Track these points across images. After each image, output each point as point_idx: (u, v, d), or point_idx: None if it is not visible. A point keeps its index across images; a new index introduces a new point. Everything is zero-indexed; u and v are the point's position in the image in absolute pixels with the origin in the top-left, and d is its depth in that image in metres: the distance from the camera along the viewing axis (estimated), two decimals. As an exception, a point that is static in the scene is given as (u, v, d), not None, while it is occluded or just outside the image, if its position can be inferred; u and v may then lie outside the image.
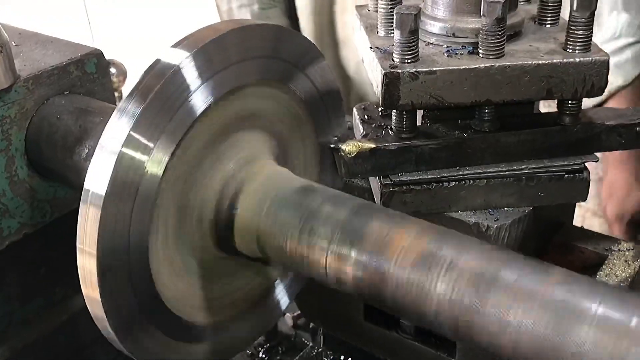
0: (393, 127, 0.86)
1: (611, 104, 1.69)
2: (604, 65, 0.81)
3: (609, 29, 1.70)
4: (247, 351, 1.17)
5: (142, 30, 3.42)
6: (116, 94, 1.29)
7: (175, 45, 0.67)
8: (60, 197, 0.91)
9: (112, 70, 1.23)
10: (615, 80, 1.68)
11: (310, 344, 1.11)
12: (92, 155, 0.79)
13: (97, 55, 0.91)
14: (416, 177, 0.86)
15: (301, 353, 1.10)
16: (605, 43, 1.69)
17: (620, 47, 1.71)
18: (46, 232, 0.91)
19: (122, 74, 1.27)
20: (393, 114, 0.86)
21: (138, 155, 0.64)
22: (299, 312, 1.22)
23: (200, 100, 0.69)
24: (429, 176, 0.86)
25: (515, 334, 0.56)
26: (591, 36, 0.82)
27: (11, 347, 0.94)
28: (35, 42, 0.92)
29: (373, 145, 0.84)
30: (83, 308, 0.98)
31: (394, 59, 0.81)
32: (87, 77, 0.90)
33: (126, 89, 1.32)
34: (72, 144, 0.82)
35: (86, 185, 0.64)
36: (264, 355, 1.17)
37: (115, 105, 0.96)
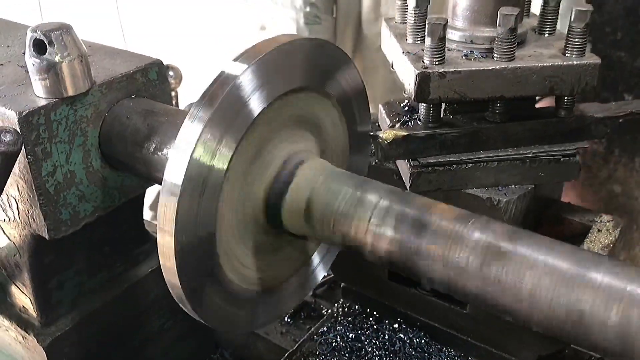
0: (421, 118, 0.87)
1: None
2: (596, 68, 0.83)
3: None
4: (277, 318, 1.18)
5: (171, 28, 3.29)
6: (172, 93, 1.29)
7: (236, 59, 0.68)
8: (127, 185, 0.91)
9: (170, 73, 1.23)
10: None
11: (342, 300, 1.12)
12: (159, 150, 0.81)
13: (159, 64, 0.91)
14: (440, 160, 0.87)
15: (334, 307, 1.11)
16: None
17: None
18: (111, 216, 0.91)
19: (179, 77, 1.27)
20: (421, 107, 0.87)
21: (207, 154, 0.65)
22: (319, 283, 1.23)
23: (256, 105, 0.69)
24: (451, 159, 0.87)
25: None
26: (586, 43, 0.83)
27: (81, 313, 0.96)
28: (104, 53, 0.92)
29: (405, 133, 0.85)
30: (139, 281, 1.01)
31: (424, 61, 0.82)
32: (150, 83, 0.90)
33: (181, 89, 1.32)
34: (141, 139, 0.82)
35: (165, 178, 0.65)
36: (289, 320, 1.20)
37: (174, 106, 0.95)
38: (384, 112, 0.98)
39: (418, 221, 0.64)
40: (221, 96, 0.65)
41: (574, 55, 0.83)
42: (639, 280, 0.52)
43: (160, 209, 0.65)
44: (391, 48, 0.94)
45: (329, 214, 0.71)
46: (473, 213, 0.63)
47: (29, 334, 0.94)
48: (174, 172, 0.64)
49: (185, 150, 0.64)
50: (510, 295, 0.57)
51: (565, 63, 0.82)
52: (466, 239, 0.60)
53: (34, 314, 0.94)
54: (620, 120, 0.89)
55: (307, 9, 1.77)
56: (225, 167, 0.68)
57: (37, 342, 0.92)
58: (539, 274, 0.55)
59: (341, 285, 1.12)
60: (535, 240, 0.58)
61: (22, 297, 0.94)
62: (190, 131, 0.64)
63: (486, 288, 0.58)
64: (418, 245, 0.63)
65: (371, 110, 0.97)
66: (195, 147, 0.64)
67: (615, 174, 2.03)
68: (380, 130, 0.90)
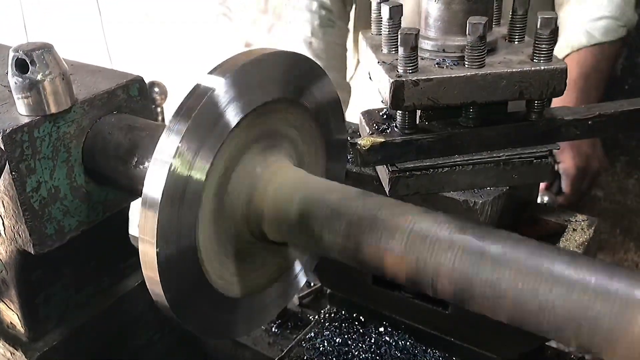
0: (398, 125, 0.89)
1: (575, 56, 1.83)
2: (563, 72, 0.84)
3: (593, 2, 1.86)
4: (262, 327, 1.20)
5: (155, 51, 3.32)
6: (158, 109, 1.30)
7: (211, 72, 0.69)
8: (111, 199, 0.92)
9: (156, 89, 1.24)
10: (584, 40, 1.84)
11: (328, 306, 1.13)
12: (141, 163, 0.82)
13: (139, 81, 0.92)
14: (417, 165, 0.88)
15: (321, 313, 1.12)
16: (585, 11, 1.84)
17: (595, 18, 1.84)
18: (96, 231, 0.92)
19: (164, 93, 1.28)
20: (398, 114, 0.88)
21: (184, 165, 0.66)
22: (305, 292, 1.24)
23: (232, 116, 0.70)
24: (427, 163, 0.88)
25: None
26: (553, 49, 0.85)
27: (69, 327, 0.96)
28: (86, 71, 0.93)
29: (383, 140, 0.87)
30: (126, 294, 1.02)
31: (399, 70, 0.83)
32: (131, 99, 0.91)
33: (167, 105, 1.33)
34: (123, 154, 0.83)
35: (145, 191, 0.65)
36: (276, 330, 1.20)
37: (156, 121, 0.97)
38: (363, 120, 0.99)
39: (373, 220, 0.65)
40: (197, 108, 0.65)
41: (541, 61, 0.84)
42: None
43: (141, 220, 0.65)
44: (368, 59, 0.96)
45: (309, 223, 0.72)
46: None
47: (17, 350, 0.94)
48: (154, 183, 0.65)
49: (163, 162, 0.65)
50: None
51: (533, 68, 0.84)
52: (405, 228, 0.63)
53: (22, 330, 0.94)
54: (589, 123, 0.91)
55: (323, 13, 1.89)
56: (203, 178, 0.68)
57: (25, 357, 0.92)
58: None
59: (327, 292, 1.13)
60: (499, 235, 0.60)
61: (10, 313, 0.94)
62: (168, 144, 0.65)
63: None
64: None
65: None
66: (172, 159, 0.64)
67: (597, 178, 2.06)
68: (360, 137, 0.91)
